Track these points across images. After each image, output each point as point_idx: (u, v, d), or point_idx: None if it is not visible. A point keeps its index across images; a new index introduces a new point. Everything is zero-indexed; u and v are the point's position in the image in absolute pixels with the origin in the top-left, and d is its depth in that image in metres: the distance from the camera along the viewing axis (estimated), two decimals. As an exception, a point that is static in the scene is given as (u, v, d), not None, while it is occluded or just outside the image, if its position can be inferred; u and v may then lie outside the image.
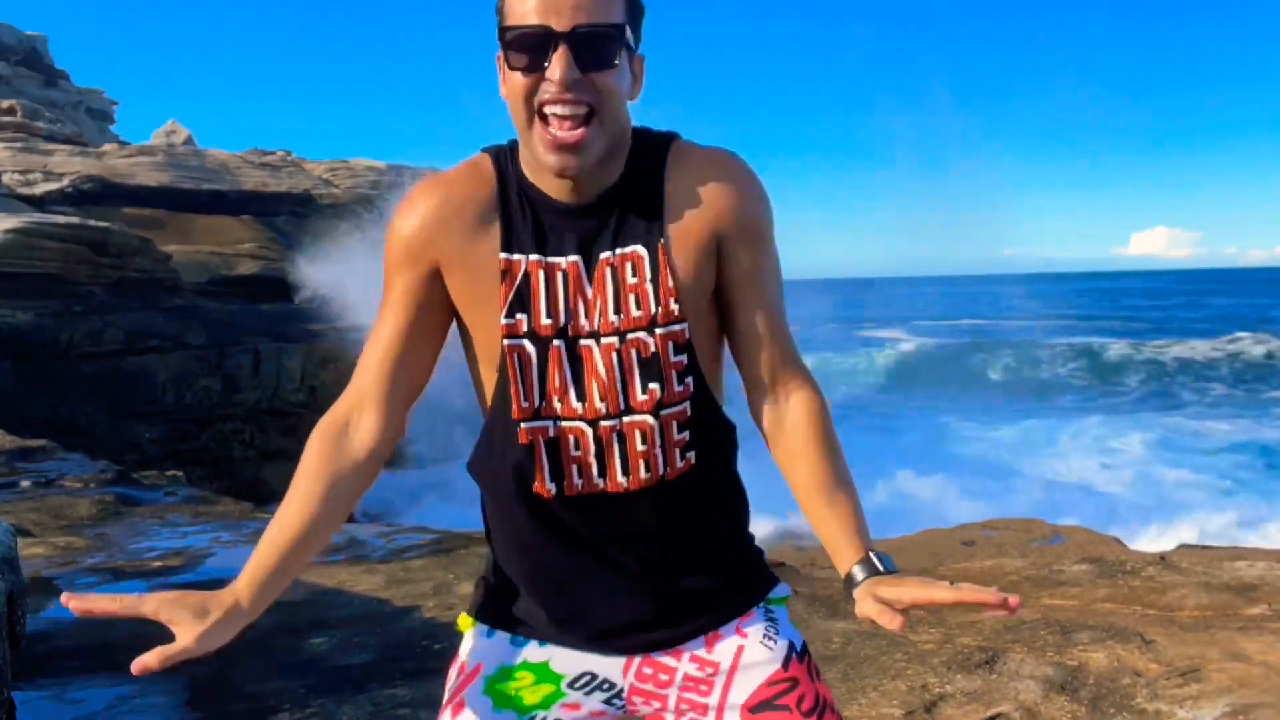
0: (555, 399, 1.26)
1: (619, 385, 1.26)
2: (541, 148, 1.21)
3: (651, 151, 1.30)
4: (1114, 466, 27.56)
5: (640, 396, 1.26)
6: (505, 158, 1.32)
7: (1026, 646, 3.61)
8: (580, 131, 1.19)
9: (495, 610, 1.40)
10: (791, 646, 1.36)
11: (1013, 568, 5.04)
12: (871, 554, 1.25)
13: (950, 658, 3.53)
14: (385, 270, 1.32)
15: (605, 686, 1.36)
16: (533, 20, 1.17)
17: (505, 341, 1.26)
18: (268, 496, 20.76)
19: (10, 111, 31.94)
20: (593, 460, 1.27)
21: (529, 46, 1.18)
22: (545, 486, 1.28)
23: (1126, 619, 3.94)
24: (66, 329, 19.67)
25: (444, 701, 1.38)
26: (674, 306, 1.26)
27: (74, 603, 1.20)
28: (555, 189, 1.27)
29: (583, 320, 1.26)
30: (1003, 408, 35.05)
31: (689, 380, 1.27)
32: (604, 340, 1.26)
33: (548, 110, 1.19)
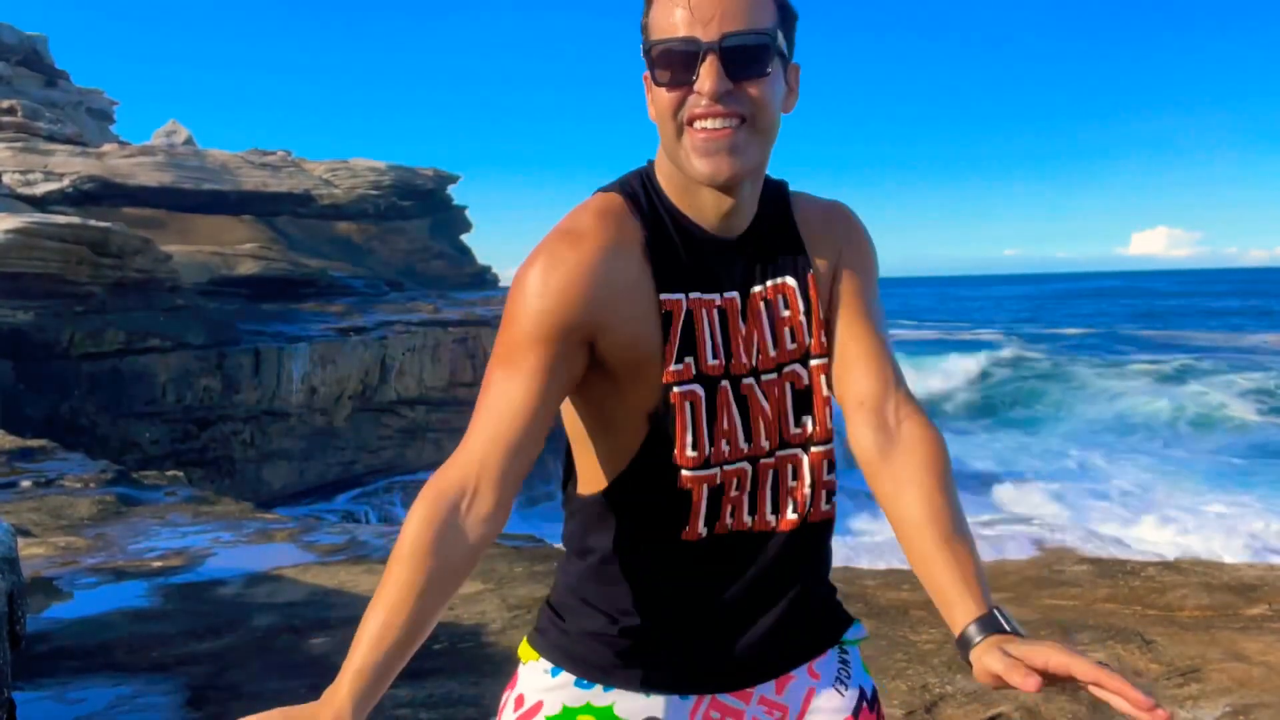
0: (724, 442, 1.20)
1: (778, 420, 1.22)
2: (693, 156, 1.15)
3: (772, 189, 1.28)
4: None
5: (794, 429, 1.23)
6: (642, 193, 1.24)
7: (1027, 647, 3.61)
8: (732, 134, 1.13)
9: (564, 650, 1.30)
10: (862, 694, 1.31)
11: (1013, 567, 5.04)
12: (996, 611, 1.10)
13: (950, 658, 3.53)
14: (514, 337, 1.17)
15: None
16: (679, 33, 1.12)
17: (676, 389, 1.18)
18: (268, 496, 20.78)
19: (10, 111, 31.94)
20: (746, 498, 1.23)
21: (675, 60, 1.13)
22: (698, 531, 1.22)
23: (1127, 619, 3.94)
24: (66, 329, 19.67)
25: None
26: (824, 339, 1.25)
27: None
28: (708, 219, 1.21)
29: (743, 357, 1.22)
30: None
31: (830, 420, 1.25)
32: (765, 377, 1.22)
33: (697, 124, 1.14)
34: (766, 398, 1.22)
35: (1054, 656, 1.02)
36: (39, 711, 3.51)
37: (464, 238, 46.95)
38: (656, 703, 1.27)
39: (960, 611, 1.10)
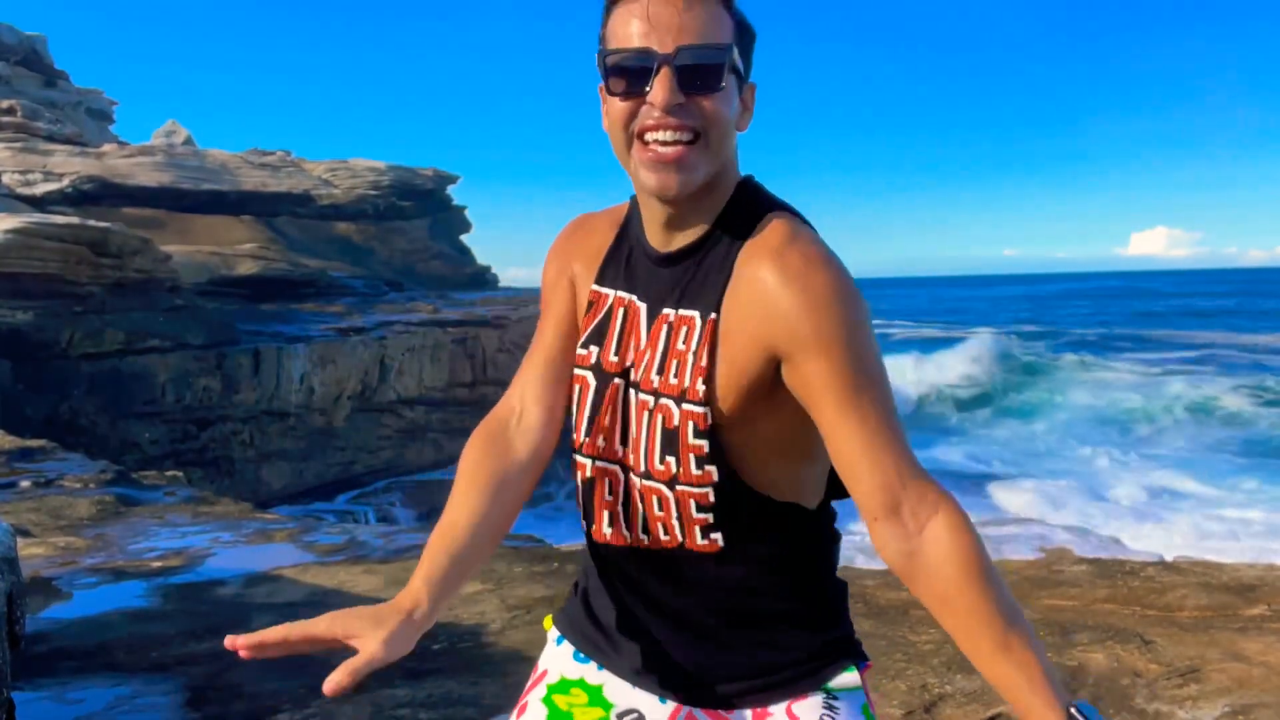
0: (600, 438, 1.25)
1: (644, 446, 1.22)
2: (641, 170, 1.16)
3: (746, 215, 1.21)
4: (1114, 467, 27.42)
5: (657, 465, 1.21)
6: (635, 202, 1.32)
7: (1026, 647, 3.61)
8: (681, 149, 1.13)
9: (569, 620, 1.39)
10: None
11: (1013, 567, 5.04)
12: (1073, 709, 1.07)
13: (950, 658, 3.53)
14: (543, 287, 1.39)
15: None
16: (634, 44, 1.12)
17: (576, 370, 1.29)
18: (267, 497, 20.78)
19: (10, 111, 31.95)
20: (620, 509, 1.26)
21: (629, 71, 1.13)
22: (588, 523, 1.31)
23: (1126, 619, 3.94)
24: (66, 329, 19.68)
25: (519, 697, 1.39)
26: (700, 387, 1.17)
27: (241, 642, 1.08)
28: (650, 228, 1.25)
29: (633, 366, 1.24)
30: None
31: (709, 468, 1.18)
32: (641, 395, 1.22)
33: (648, 136, 1.14)
34: (636, 415, 1.23)
35: None
36: (38, 711, 3.51)
37: (463, 238, 46.99)
38: (640, 697, 1.30)
39: (1037, 717, 1.08)
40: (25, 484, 8.26)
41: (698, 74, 1.12)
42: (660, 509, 1.22)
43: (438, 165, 44.96)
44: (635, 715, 1.30)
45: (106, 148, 33.91)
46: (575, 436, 1.28)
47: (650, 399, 1.21)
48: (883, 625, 3.97)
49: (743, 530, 1.22)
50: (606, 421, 1.24)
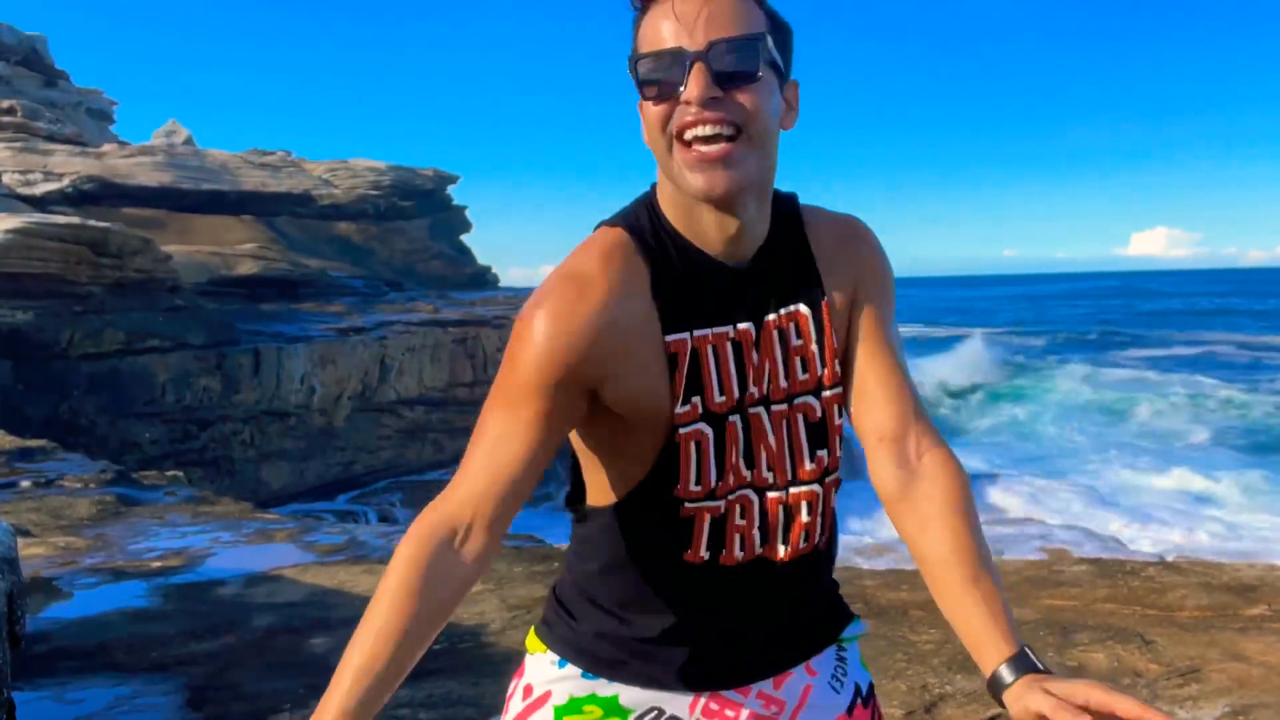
0: (730, 475, 1.19)
1: (788, 454, 1.19)
2: (686, 171, 1.10)
3: (785, 208, 1.23)
4: (1114, 467, 27.41)
5: (809, 466, 1.20)
6: (647, 224, 1.19)
7: (1026, 647, 3.61)
8: (726, 146, 1.08)
9: (567, 644, 1.32)
10: (858, 690, 1.32)
11: (1013, 567, 5.04)
12: (1027, 650, 1.09)
13: (950, 658, 3.53)
14: (516, 383, 1.15)
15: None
16: (664, 44, 1.09)
17: (682, 430, 1.16)
18: (267, 496, 20.79)
19: (10, 111, 31.95)
20: (755, 532, 1.21)
21: (662, 71, 1.09)
22: (700, 555, 1.21)
23: (1126, 619, 3.94)
24: (66, 329, 19.68)
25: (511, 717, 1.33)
26: (837, 369, 1.21)
27: None
28: (713, 244, 1.16)
29: (752, 387, 1.18)
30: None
31: (841, 445, 1.23)
32: (774, 407, 1.19)
33: (688, 134, 1.09)
34: (774, 429, 1.19)
35: (1095, 694, 1.02)
36: (38, 711, 3.51)
37: (464, 238, 46.99)
38: (660, 694, 1.29)
39: (990, 651, 1.09)
40: (25, 484, 8.26)
41: (732, 67, 1.08)
42: (809, 513, 1.21)
43: (438, 165, 45.00)
44: (655, 712, 1.29)
45: (107, 148, 33.92)
46: (698, 488, 1.18)
47: (784, 406, 1.19)
48: (883, 625, 3.97)
49: (831, 511, 1.27)
50: (734, 459, 1.19)
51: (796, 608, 1.28)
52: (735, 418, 1.18)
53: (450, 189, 44.70)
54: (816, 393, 1.20)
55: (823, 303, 1.21)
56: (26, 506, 7.44)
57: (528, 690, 1.33)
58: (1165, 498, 24.23)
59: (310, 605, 4.78)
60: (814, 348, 1.20)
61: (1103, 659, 3.45)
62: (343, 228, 39.65)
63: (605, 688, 1.29)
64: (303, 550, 6.17)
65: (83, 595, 5.16)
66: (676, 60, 1.08)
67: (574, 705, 1.29)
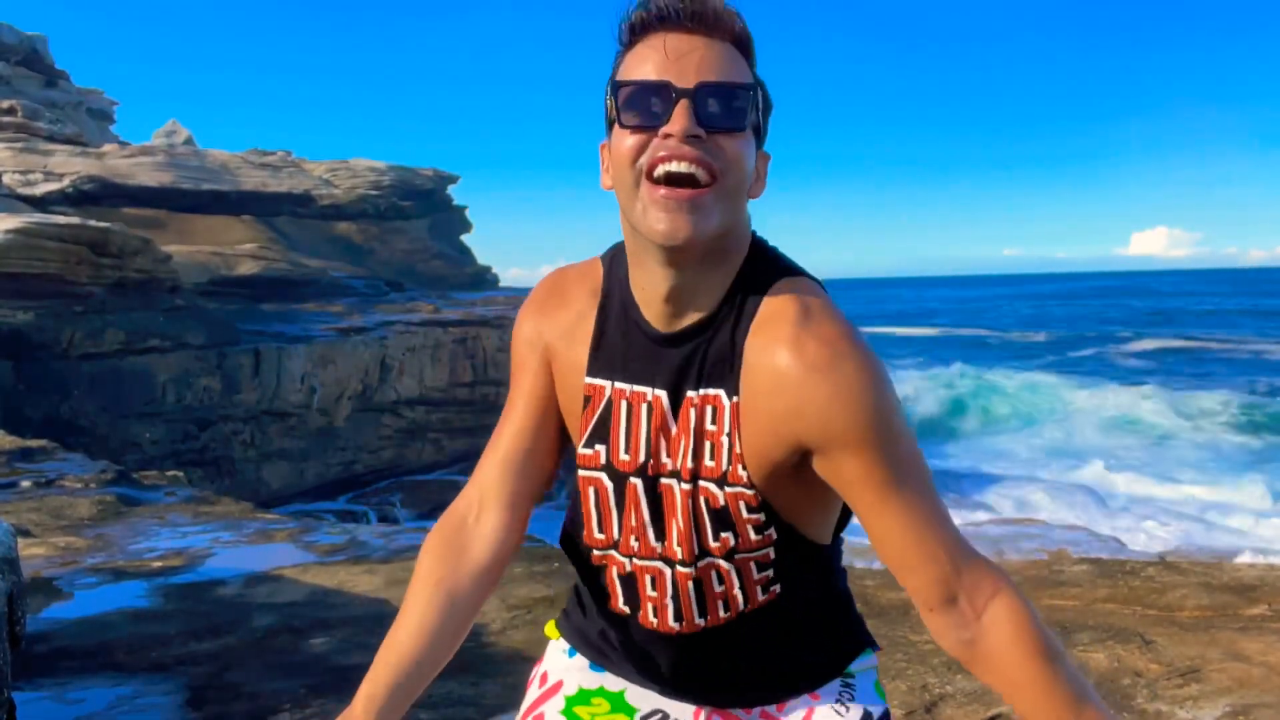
0: (632, 538, 1.19)
1: (694, 530, 1.16)
2: (650, 210, 1.05)
3: (755, 285, 1.13)
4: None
5: (713, 543, 1.16)
6: (617, 268, 1.20)
7: (1026, 647, 3.61)
8: (697, 191, 1.04)
9: (580, 635, 1.34)
10: (867, 715, 1.28)
11: (1013, 567, 5.04)
12: None
13: (950, 658, 3.53)
14: (512, 368, 1.28)
15: None
16: (652, 76, 1.05)
17: (581, 473, 1.20)
18: (268, 496, 20.79)
19: (10, 111, 31.95)
20: (669, 602, 1.20)
21: (646, 102, 1.04)
22: (619, 608, 1.24)
23: (1126, 619, 3.94)
24: (66, 329, 19.68)
25: (525, 708, 1.35)
26: (741, 472, 1.12)
27: None
28: (650, 303, 1.14)
29: (664, 458, 1.16)
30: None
31: (769, 531, 1.16)
32: (683, 485, 1.15)
33: (660, 170, 1.04)
34: (681, 505, 1.16)
35: None
36: (39, 711, 3.51)
37: (464, 238, 46.97)
38: (664, 700, 1.31)
39: None
40: (26, 484, 8.26)
41: (720, 110, 1.05)
42: (721, 583, 1.18)
43: (438, 165, 45.02)
44: (660, 715, 1.30)
45: (107, 148, 33.92)
46: (601, 536, 1.21)
47: (689, 486, 1.15)
48: (883, 625, 3.97)
49: (794, 572, 1.21)
50: (634, 521, 1.18)
51: (749, 660, 1.25)
52: (638, 481, 1.17)
53: (450, 189, 44.69)
54: (720, 483, 1.14)
55: (733, 400, 1.12)
56: (27, 506, 7.44)
57: (543, 678, 1.36)
58: (1166, 498, 24.23)
59: (310, 605, 4.78)
60: (723, 439, 1.13)
61: (1103, 659, 3.45)
62: (343, 228, 39.63)
63: (613, 682, 1.31)
64: (303, 550, 6.17)
65: (83, 595, 5.16)
66: (662, 93, 1.04)
67: (583, 696, 1.31)
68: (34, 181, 29.72)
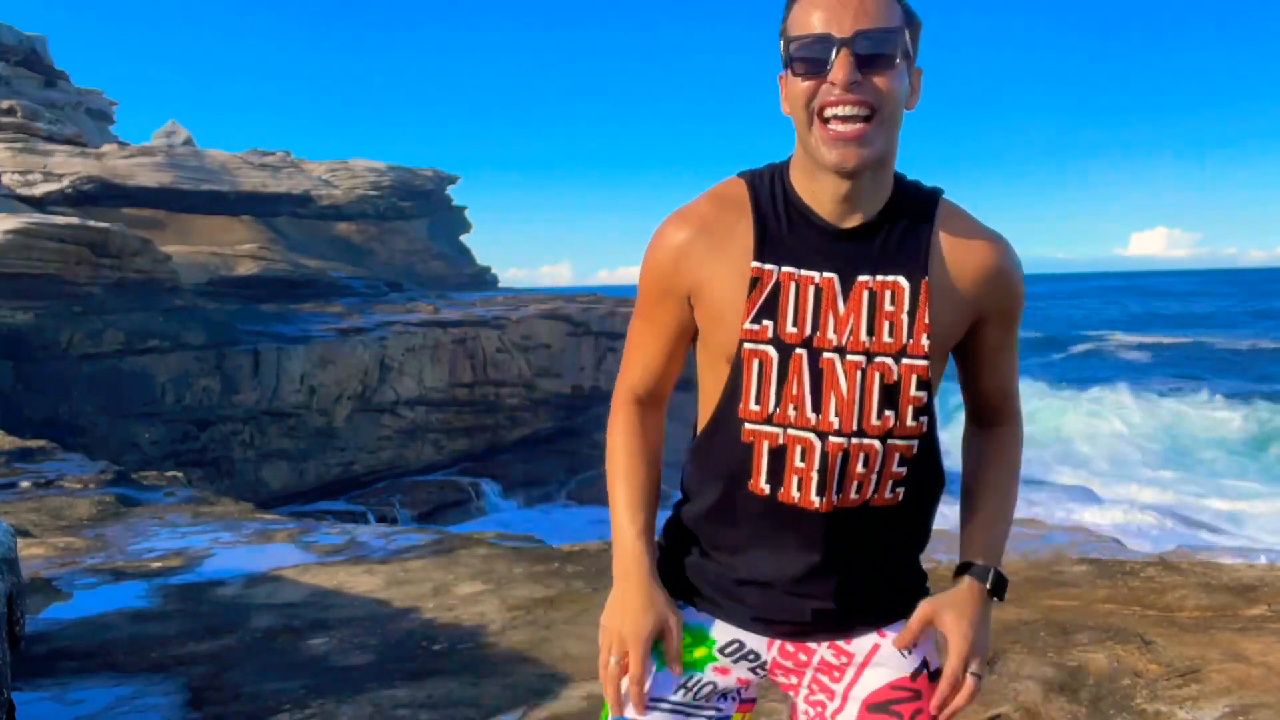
0: (791, 407, 1.31)
1: (858, 404, 1.30)
2: (822, 146, 1.26)
3: (918, 196, 1.36)
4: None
5: (874, 421, 1.30)
6: (765, 178, 1.38)
7: (1026, 647, 3.61)
8: (861, 126, 1.25)
9: (668, 572, 1.46)
10: (925, 663, 1.42)
11: (1013, 567, 5.04)
12: (977, 563, 1.42)
13: (950, 658, 3.53)
14: (642, 293, 1.44)
15: (751, 657, 1.44)
16: (815, 29, 1.25)
17: (747, 345, 1.32)
18: (267, 497, 20.78)
19: (10, 112, 31.93)
20: (815, 475, 1.32)
21: (812, 53, 1.25)
22: (760, 486, 1.35)
23: (1126, 619, 3.94)
24: (66, 329, 19.67)
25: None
26: (925, 342, 1.30)
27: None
28: (824, 206, 1.32)
29: (830, 334, 1.31)
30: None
31: (923, 419, 1.33)
32: (850, 358, 1.30)
33: (829, 112, 1.25)
34: (846, 378, 1.30)
35: (948, 661, 1.33)
36: (38, 712, 3.51)
37: (463, 238, 46.98)
38: (740, 631, 1.43)
39: (961, 554, 1.44)
40: (25, 484, 8.26)
41: (873, 55, 1.25)
42: (864, 465, 1.32)
43: (438, 165, 45.02)
44: (736, 645, 1.43)
45: (106, 148, 33.91)
46: (757, 408, 1.32)
47: (862, 359, 1.30)
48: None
49: (917, 486, 1.37)
50: (795, 390, 1.31)
51: (863, 566, 1.38)
52: (803, 352, 1.31)
53: (450, 189, 44.69)
54: (897, 357, 1.30)
55: (922, 281, 1.31)
56: (26, 507, 7.44)
57: None
58: (1166, 498, 24.23)
59: (310, 605, 4.78)
60: (904, 316, 1.30)
61: (1103, 659, 3.44)
62: (342, 228, 39.63)
63: (693, 616, 1.44)
64: (303, 550, 6.17)
65: (82, 596, 5.16)
66: (825, 45, 1.24)
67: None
68: (33, 182, 29.71)
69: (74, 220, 21.67)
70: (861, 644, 1.41)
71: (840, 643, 1.41)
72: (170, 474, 10.45)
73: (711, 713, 1.45)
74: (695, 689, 1.43)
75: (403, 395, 26.30)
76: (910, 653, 1.40)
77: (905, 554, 1.44)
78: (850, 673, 1.41)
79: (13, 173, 29.50)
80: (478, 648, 4.00)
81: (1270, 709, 3.00)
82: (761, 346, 1.31)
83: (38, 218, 21.31)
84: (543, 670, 3.61)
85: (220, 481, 20.51)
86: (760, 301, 1.31)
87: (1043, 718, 3.02)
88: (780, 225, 1.34)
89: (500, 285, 46.05)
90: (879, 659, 1.40)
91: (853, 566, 1.38)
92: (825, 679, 1.43)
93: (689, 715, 1.44)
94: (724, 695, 1.46)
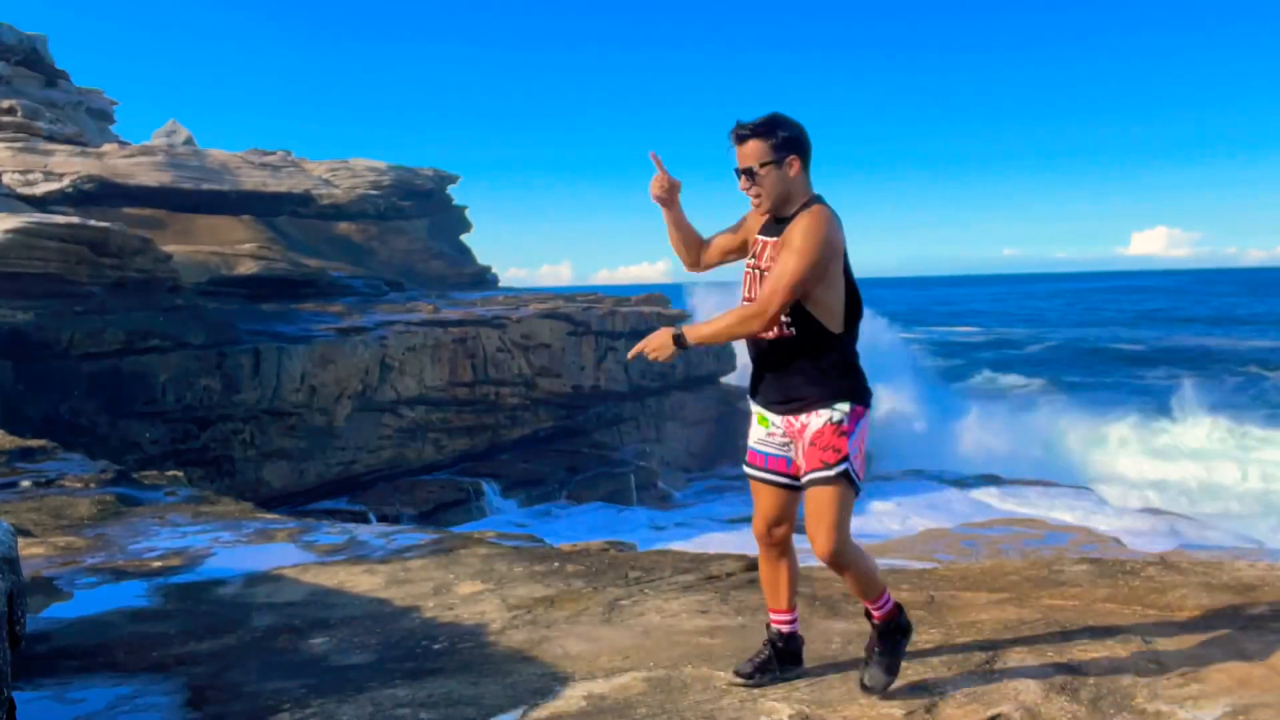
0: (748, 290, 3.17)
1: (752, 290, 3.15)
2: (753, 207, 3.20)
3: (806, 206, 3.09)
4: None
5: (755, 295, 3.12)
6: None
7: (1026, 646, 3.61)
8: (755, 201, 3.15)
9: (751, 386, 3.26)
10: (830, 419, 3.05)
11: (1013, 567, 5.04)
12: (682, 327, 3.14)
13: (950, 658, 3.53)
14: (743, 221, 3.33)
15: (776, 424, 3.19)
16: (736, 164, 3.12)
17: (745, 263, 3.23)
18: (268, 496, 20.77)
19: (10, 111, 31.94)
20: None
21: (737, 173, 3.14)
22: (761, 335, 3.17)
23: (1126, 619, 3.94)
24: (66, 329, 19.68)
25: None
26: (771, 262, 3.10)
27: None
28: (768, 220, 3.18)
29: (765, 261, 3.11)
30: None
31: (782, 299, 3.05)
32: (764, 272, 3.11)
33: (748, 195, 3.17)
34: (754, 281, 3.16)
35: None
36: (39, 711, 3.51)
37: (464, 238, 46.98)
38: (771, 415, 3.21)
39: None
40: (26, 484, 8.26)
41: (749, 170, 3.09)
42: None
43: (438, 165, 44.99)
44: (771, 419, 3.21)
45: (107, 148, 33.91)
46: (747, 294, 3.16)
47: (756, 266, 3.17)
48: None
49: (802, 329, 3.06)
50: (746, 288, 3.18)
51: (785, 373, 3.12)
52: (752, 267, 3.18)
53: (450, 189, 44.69)
54: (766, 270, 3.11)
55: (777, 240, 3.10)
56: (27, 506, 7.44)
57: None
58: (1166, 497, 24.22)
59: (310, 605, 4.78)
60: (772, 250, 3.11)
61: (1103, 659, 3.45)
62: (343, 228, 39.62)
63: (755, 407, 3.27)
64: (303, 550, 6.17)
65: (83, 595, 5.16)
66: (737, 172, 3.13)
67: (759, 417, 3.26)
68: (34, 181, 29.72)
69: (74, 220, 21.68)
70: (806, 420, 3.09)
71: (792, 419, 3.13)
72: (171, 473, 10.44)
73: (783, 445, 3.20)
74: (769, 438, 3.22)
75: (403, 394, 26.31)
76: (824, 417, 3.06)
77: (815, 369, 3.07)
78: (805, 431, 3.09)
79: (13, 172, 29.51)
80: (478, 647, 4.00)
81: (1271, 709, 3.00)
82: (746, 270, 3.21)
83: (38, 217, 21.31)
84: (543, 670, 3.62)
85: (221, 481, 20.52)
86: (751, 251, 3.23)
87: (1043, 718, 3.02)
88: (762, 221, 3.22)
89: (500, 285, 46.04)
90: (813, 424, 3.07)
91: (780, 374, 3.13)
92: (797, 432, 3.12)
93: (773, 448, 3.21)
94: (787, 441, 3.17)
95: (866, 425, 3.12)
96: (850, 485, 3.02)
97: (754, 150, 3.01)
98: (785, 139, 2.99)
